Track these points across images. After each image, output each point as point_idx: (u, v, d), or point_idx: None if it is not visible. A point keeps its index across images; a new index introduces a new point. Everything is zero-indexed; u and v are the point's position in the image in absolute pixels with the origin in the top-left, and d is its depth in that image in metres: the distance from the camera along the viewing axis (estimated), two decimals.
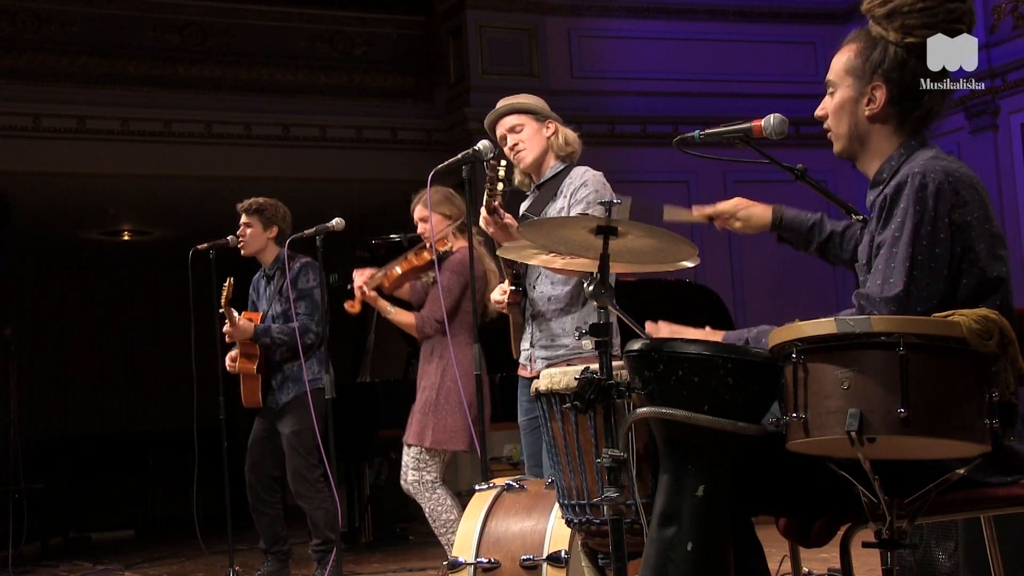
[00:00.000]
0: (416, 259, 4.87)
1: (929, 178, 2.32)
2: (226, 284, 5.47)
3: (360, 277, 4.88)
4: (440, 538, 4.85)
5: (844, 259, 2.83)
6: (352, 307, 4.86)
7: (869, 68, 2.46)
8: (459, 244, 4.88)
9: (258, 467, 5.73)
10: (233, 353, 5.66)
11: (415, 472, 4.77)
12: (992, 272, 2.34)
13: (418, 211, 4.96)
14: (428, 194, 4.64)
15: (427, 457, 4.77)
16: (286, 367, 5.65)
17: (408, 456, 4.85)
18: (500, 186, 3.67)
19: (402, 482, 4.89)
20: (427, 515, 4.80)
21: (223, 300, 5.46)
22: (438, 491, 4.76)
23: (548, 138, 4.02)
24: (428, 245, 4.84)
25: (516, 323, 4.01)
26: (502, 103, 4.07)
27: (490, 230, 3.76)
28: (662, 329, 2.62)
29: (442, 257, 4.81)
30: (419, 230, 4.99)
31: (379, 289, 4.90)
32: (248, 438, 5.80)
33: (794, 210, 2.91)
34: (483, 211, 3.73)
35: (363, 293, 4.81)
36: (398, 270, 4.88)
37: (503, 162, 3.70)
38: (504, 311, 4.07)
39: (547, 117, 4.03)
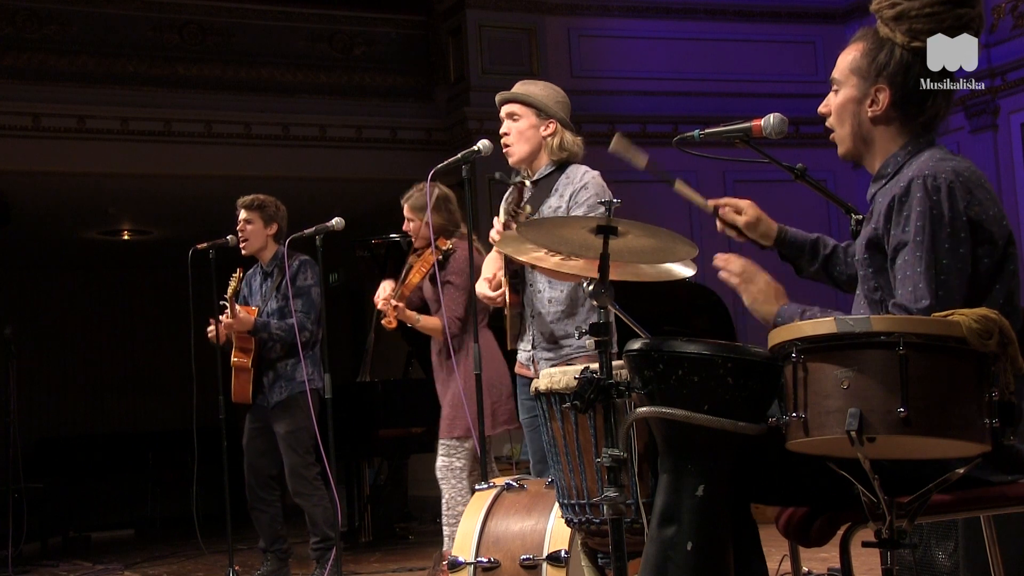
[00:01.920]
0: (423, 264, 4.95)
1: (941, 179, 2.32)
2: (235, 275, 5.53)
3: (384, 297, 4.94)
4: (445, 528, 4.91)
5: (848, 275, 2.77)
6: (390, 324, 4.94)
7: (874, 69, 2.46)
8: (451, 242, 4.98)
9: (255, 466, 5.74)
10: (222, 330, 5.64)
11: (444, 458, 4.88)
12: (1008, 267, 2.34)
13: (407, 210, 5.04)
14: (428, 195, 4.66)
15: (456, 444, 4.87)
16: (279, 365, 5.65)
17: (439, 446, 4.95)
18: (528, 208, 3.67)
19: (441, 482, 4.99)
20: (443, 502, 4.90)
21: (229, 291, 5.48)
22: (464, 481, 4.88)
23: (544, 137, 3.92)
24: (430, 247, 4.92)
25: (512, 320, 4.00)
26: (516, 85, 4.02)
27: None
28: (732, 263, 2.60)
29: (447, 256, 4.88)
30: (405, 226, 5.10)
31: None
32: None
33: (796, 229, 2.89)
34: (498, 224, 3.72)
35: (395, 309, 4.88)
36: (415, 280, 4.96)
37: (528, 183, 3.71)
38: (499, 306, 4.06)
39: (550, 116, 3.92)
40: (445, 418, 4.96)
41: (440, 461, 4.92)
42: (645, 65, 10.50)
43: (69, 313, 13.44)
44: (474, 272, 4.86)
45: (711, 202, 2.88)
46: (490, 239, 3.83)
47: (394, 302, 4.88)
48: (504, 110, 3.98)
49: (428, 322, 4.99)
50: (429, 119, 10.33)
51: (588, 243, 2.58)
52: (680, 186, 2.95)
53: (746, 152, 2.96)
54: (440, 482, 4.93)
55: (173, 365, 12.25)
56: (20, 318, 11.37)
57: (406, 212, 5.08)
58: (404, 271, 5.04)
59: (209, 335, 5.72)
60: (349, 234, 5.50)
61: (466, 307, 4.90)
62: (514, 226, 3.66)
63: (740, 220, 2.86)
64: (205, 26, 9.84)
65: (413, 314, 4.95)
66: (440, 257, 4.88)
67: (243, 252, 5.77)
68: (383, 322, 4.99)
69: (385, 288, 5.02)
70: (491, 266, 4.10)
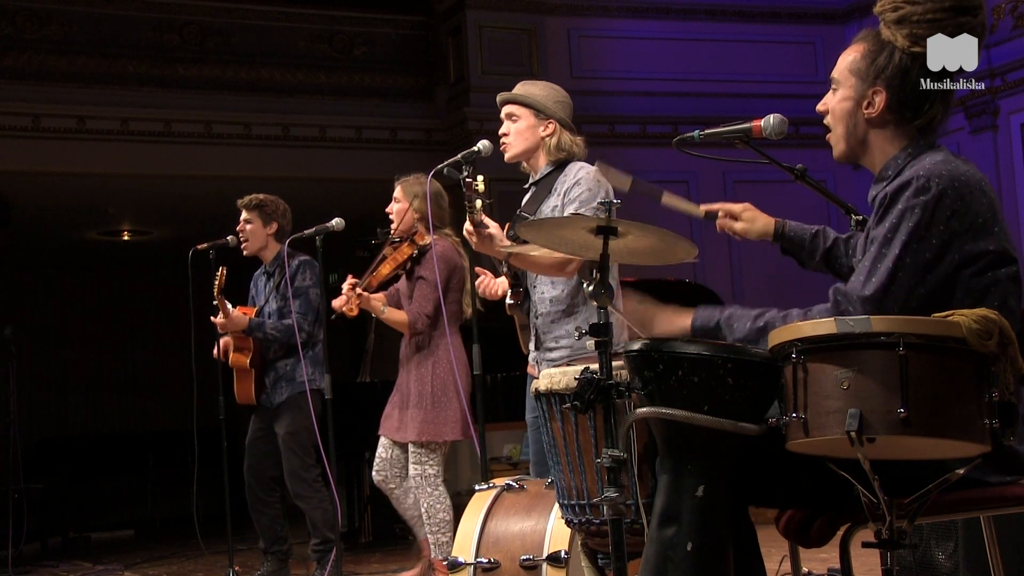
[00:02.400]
0: (398, 256, 4.91)
1: (933, 183, 2.32)
2: (219, 273, 5.48)
3: (348, 284, 4.91)
4: (430, 536, 4.88)
5: (850, 266, 2.79)
6: (351, 311, 4.89)
7: (873, 72, 2.46)
8: (431, 238, 4.97)
9: (256, 467, 5.73)
10: (226, 339, 5.66)
11: (417, 467, 4.82)
12: (1001, 270, 2.34)
13: (398, 191, 5.06)
14: (428, 191, 4.66)
15: (427, 451, 4.82)
16: (279, 365, 5.64)
17: (400, 452, 4.91)
18: (479, 203, 3.63)
19: (375, 473, 4.98)
20: (423, 511, 4.84)
21: (216, 289, 5.46)
22: (440, 487, 4.83)
23: (543, 137, 3.91)
24: (407, 240, 4.90)
25: (521, 324, 4.00)
26: (516, 86, 4.02)
27: (473, 241, 3.71)
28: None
29: (422, 252, 4.87)
30: (388, 208, 5.08)
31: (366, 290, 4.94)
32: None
33: (796, 222, 2.90)
34: (467, 224, 3.71)
35: (359, 296, 4.83)
36: (384, 271, 4.91)
37: (479, 178, 3.68)
38: (507, 312, 4.06)
39: (549, 116, 3.91)
40: (411, 419, 4.88)
41: (412, 470, 4.86)
42: (645, 66, 10.50)
43: (69, 313, 13.44)
44: (454, 271, 4.88)
45: (703, 207, 2.89)
46: (464, 233, 3.82)
47: (358, 290, 4.84)
48: (504, 110, 3.98)
49: (394, 315, 4.93)
50: (429, 119, 10.33)
51: (588, 243, 2.58)
52: (668, 198, 2.94)
53: (746, 153, 2.96)
54: (415, 491, 4.87)
55: (173, 365, 12.26)
56: (20, 318, 11.39)
57: (397, 193, 5.07)
58: (376, 261, 4.98)
59: (215, 353, 5.72)
60: (349, 234, 5.50)
61: (436, 305, 4.87)
62: (479, 220, 3.66)
63: (737, 227, 2.89)
64: (205, 27, 9.84)
65: (378, 304, 4.88)
66: (415, 252, 4.86)
67: (244, 252, 5.76)
68: (344, 308, 4.91)
69: (352, 280, 4.97)
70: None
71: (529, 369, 4.01)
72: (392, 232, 5.03)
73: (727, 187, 10.38)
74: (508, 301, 3.97)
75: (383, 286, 5.14)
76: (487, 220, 3.66)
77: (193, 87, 9.66)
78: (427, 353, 4.89)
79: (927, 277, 2.30)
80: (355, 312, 4.89)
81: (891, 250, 2.30)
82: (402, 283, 5.07)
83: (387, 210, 5.08)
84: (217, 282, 5.46)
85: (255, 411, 5.76)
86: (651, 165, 10.20)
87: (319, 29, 10.19)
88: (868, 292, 2.28)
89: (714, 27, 10.77)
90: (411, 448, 4.86)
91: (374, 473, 5.03)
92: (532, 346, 3.94)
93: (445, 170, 3.92)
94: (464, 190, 3.63)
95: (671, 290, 7.89)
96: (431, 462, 4.83)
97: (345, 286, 4.91)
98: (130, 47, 9.51)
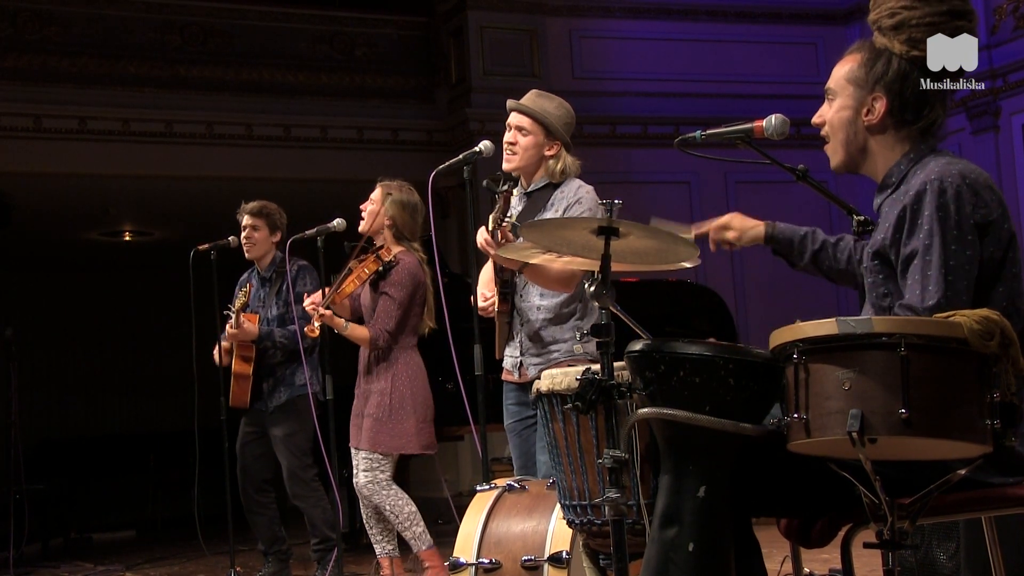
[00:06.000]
0: (362, 272, 4.91)
1: (947, 183, 2.34)
2: (243, 291, 5.59)
3: (311, 300, 4.92)
4: (404, 532, 4.91)
5: (838, 269, 2.81)
6: (312, 331, 4.89)
7: (871, 79, 2.48)
8: (396, 250, 4.98)
9: (248, 470, 5.75)
10: (226, 345, 5.67)
11: (368, 473, 4.89)
12: (1011, 269, 2.36)
13: (379, 192, 5.04)
14: (429, 192, 4.66)
15: (379, 457, 4.89)
16: (278, 371, 5.66)
17: (359, 458, 4.94)
18: (513, 216, 3.66)
19: (355, 481, 4.99)
20: (388, 513, 4.89)
21: (238, 303, 5.51)
22: (392, 486, 4.92)
23: (546, 156, 3.94)
24: (373, 256, 4.90)
25: (501, 329, 4.01)
26: (530, 97, 4.01)
27: (490, 252, 3.74)
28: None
29: (388, 267, 4.87)
30: (363, 204, 5.08)
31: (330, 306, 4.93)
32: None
33: (785, 224, 2.91)
34: (484, 233, 3.72)
35: (319, 315, 4.82)
36: (348, 288, 4.91)
37: (515, 192, 3.71)
38: (492, 316, 4.06)
39: (557, 139, 3.93)
40: (366, 429, 4.91)
41: (363, 477, 4.89)
42: (646, 66, 10.50)
43: (71, 314, 13.45)
44: (418, 287, 4.89)
45: (695, 230, 2.89)
46: (479, 246, 3.83)
47: (321, 310, 4.84)
48: (514, 119, 3.98)
49: (356, 331, 4.93)
50: (430, 120, 10.33)
51: (589, 244, 2.58)
52: (656, 222, 2.93)
53: (747, 153, 2.96)
54: (371, 497, 4.89)
55: (174, 366, 12.25)
56: (21, 319, 11.39)
57: (375, 194, 5.05)
58: (341, 276, 4.97)
59: (214, 357, 5.73)
60: (350, 235, 5.51)
61: (402, 321, 4.91)
62: (499, 235, 3.67)
63: (730, 235, 2.91)
64: (207, 27, 9.85)
65: (341, 321, 4.87)
66: (380, 268, 4.87)
67: (247, 256, 5.78)
68: (306, 329, 4.94)
69: (316, 295, 4.97)
70: (487, 276, 4.10)
71: (504, 375, 4.03)
72: (360, 231, 5.02)
73: (728, 187, 10.39)
74: (497, 310, 3.97)
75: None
76: (504, 234, 3.67)
77: (194, 88, 9.67)
78: (386, 366, 4.92)
79: (974, 273, 2.32)
80: (316, 333, 4.89)
81: (935, 258, 2.31)
82: (365, 295, 5.06)
83: (361, 207, 5.07)
84: (243, 299, 5.55)
85: (246, 414, 5.77)
86: (652, 166, 10.22)
87: (321, 30, 10.20)
88: (931, 303, 2.29)
89: (715, 27, 10.77)
90: (362, 454, 4.91)
91: (355, 482, 5.05)
92: (515, 352, 3.96)
93: (485, 182, 3.94)
94: (500, 202, 3.64)
95: (672, 291, 7.89)
96: (381, 468, 4.90)
97: (308, 305, 4.91)
98: (131, 48, 9.52)
